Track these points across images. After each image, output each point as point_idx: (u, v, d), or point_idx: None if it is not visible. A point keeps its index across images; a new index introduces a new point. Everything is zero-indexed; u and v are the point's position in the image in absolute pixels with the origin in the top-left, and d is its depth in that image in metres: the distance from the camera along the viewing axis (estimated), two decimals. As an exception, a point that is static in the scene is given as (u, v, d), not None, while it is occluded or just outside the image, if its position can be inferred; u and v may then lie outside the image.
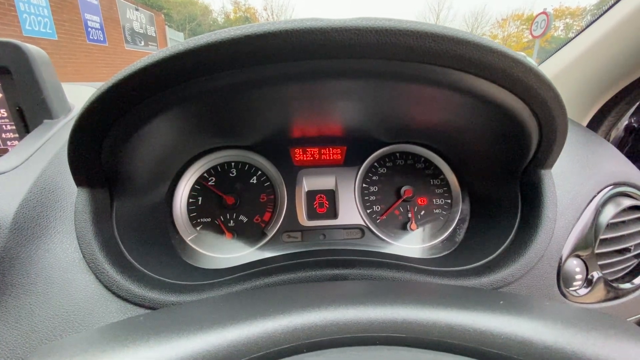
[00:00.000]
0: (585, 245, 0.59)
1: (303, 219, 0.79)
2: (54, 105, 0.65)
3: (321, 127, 0.73)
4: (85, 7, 8.16)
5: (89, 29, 8.38)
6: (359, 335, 0.29)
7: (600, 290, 0.60)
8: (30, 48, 0.63)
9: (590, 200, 0.61)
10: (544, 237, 0.55)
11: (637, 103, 0.86)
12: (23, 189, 0.49)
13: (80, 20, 8.02)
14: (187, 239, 0.74)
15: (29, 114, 0.65)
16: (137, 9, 10.69)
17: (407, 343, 0.29)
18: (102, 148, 0.46)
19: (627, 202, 0.62)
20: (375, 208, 0.81)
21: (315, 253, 0.69)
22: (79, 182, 0.50)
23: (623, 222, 0.62)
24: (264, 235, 0.77)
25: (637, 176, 0.67)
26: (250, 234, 0.77)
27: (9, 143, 0.69)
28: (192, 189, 0.77)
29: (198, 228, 0.76)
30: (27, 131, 0.66)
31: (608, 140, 0.85)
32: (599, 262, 0.60)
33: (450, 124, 0.64)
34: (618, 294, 0.61)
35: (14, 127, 0.68)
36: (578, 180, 0.62)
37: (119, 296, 0.48)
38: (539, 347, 0.27)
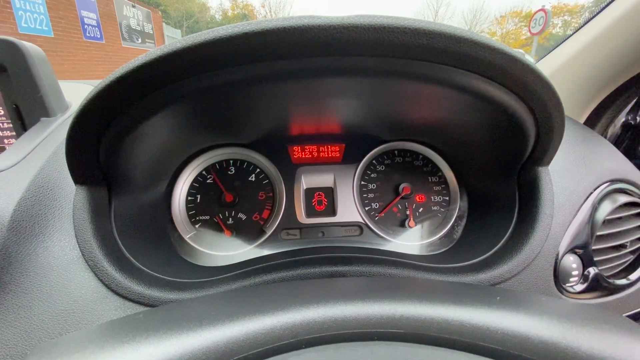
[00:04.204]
0: (582, 241, 0.59)
1: (302, 216, 0.79)
2: (51, 103, 0.65)
3: (319, 124, 0.73)
4: (82, 4, 8.08)
5: (86, 26, 8.30)
6: (358, 331, 0.30)
7: (596, 286, 0.61)
8: (27, 45, 0.62)
9: (587, 197, 0.61)
10: (541, 233, 0.55)
11: (634, 100, 0.86)
12: (21, 187, 0.49)
13: (76, 17, 7.94)
14: (186, 237, 0.74)
15: (26, 112, 0.65)
16: (134, 6, 10.61)
17: (405, 338, 0.29)
18: (100, 146, 0.46)
19: (624, 199, 0.63)
20: (373, 205, 0.81)
21: (313, 250, 0.69)
22: (77, 180, 0.49)
23: (619, 218, 0.63)
24: (262, 232, 0.77)
25: (634, 173, 0.67)
26: (249, 231, 0.77)
27: (5, 141, 0.69)
28: (191, 187, 0.77)
29: (197, 226, 0.76)
30: (24, 129, 0.65)
31: (605, 137, 0.86)
32: (595, 259, 0.60)
33: (448, 121, 0.64)
34: (614, 290, 0.62)
35: (10, 125, 0.67)
36: (575, 177, 0.62)
37: (117, 294, 0.48)
38: (535, 341, 0.27)
